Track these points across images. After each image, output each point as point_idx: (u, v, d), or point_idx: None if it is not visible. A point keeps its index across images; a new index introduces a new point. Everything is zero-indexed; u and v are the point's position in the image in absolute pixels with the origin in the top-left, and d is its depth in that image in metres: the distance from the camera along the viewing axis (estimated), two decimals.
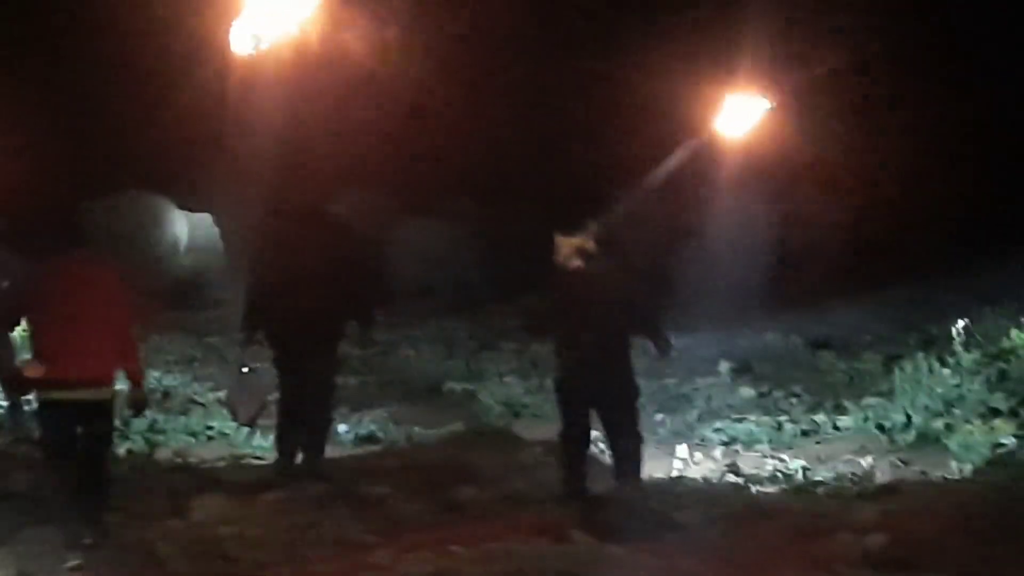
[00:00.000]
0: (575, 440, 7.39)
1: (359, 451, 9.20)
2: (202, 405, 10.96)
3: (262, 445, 9.15)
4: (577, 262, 7.27)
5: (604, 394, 7.28)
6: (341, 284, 7.96)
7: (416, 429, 10.40)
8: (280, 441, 8.06)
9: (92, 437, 6.39)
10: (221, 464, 8.63)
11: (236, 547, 6.19)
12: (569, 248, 7.28)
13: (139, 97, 16.07)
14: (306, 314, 7.73)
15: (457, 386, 12.62)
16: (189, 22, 12.35)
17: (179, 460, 8.74)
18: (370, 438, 9.81)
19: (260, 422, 9.04)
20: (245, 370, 8.59)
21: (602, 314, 7.18)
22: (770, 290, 20.60)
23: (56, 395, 6.22)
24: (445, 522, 6.70)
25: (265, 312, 8.02)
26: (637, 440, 7.37)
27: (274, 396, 8.32)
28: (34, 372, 6.26)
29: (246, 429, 9.45)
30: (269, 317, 8.00)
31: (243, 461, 8.81)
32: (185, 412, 10.68)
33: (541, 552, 5.93)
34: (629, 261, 8.16)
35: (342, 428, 9.89)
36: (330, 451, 8.41)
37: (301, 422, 7.98)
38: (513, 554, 5.88)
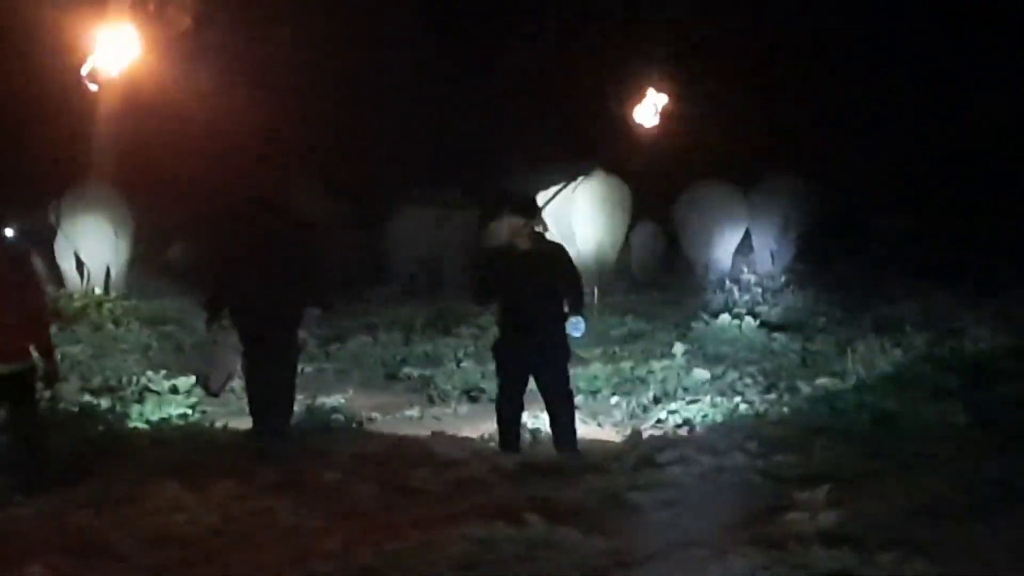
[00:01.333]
0: (511, 400, 8.36)
1: (314, 437, 9.15)
2: (157, 393, 10.89)
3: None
4: (523, 240, 8.20)
5: (541, 358, 8.19)
6: (294, 269, 8.72)
7: (373, 415, 10.41)
8: (256, 418, 8.88)
9: (15, 407, 7.35)
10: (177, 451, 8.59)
11: (189, 534, 6.18)
12: (515, 227, 8.18)
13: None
14: (263, 297, 8.57)
15: (414, 372, 12.63)
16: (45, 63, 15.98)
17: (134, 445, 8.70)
18: (326, 425, 9.78)
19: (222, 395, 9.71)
20: (215, 343, 9.05)
21: (541, 287, 8.13)
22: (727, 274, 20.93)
23: None
24: (398, 507, 6.71)
25: (227, 294, 8.85)
26: (572, 403, 8.43)
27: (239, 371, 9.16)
28: None
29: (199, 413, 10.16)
30: (231, 299, 8.82)
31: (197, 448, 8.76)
32: (140, 400, 10.63)
33: (495, 536, 5.94)
34: (558, 244, 8.91)
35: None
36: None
37: (271, 401, 8.78)
38: (467, 538, 5.89)
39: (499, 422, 8.50)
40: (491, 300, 8.64)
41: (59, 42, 13.99)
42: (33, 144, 20.60)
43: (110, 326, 16.00)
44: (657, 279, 23.01)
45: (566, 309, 8.25)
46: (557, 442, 8.33)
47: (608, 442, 9.32)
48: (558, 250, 8.60)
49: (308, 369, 12.80)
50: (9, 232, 16.06)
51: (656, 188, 22.67)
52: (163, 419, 9.93)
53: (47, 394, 8.33)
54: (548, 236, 8.70)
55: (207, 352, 9.32)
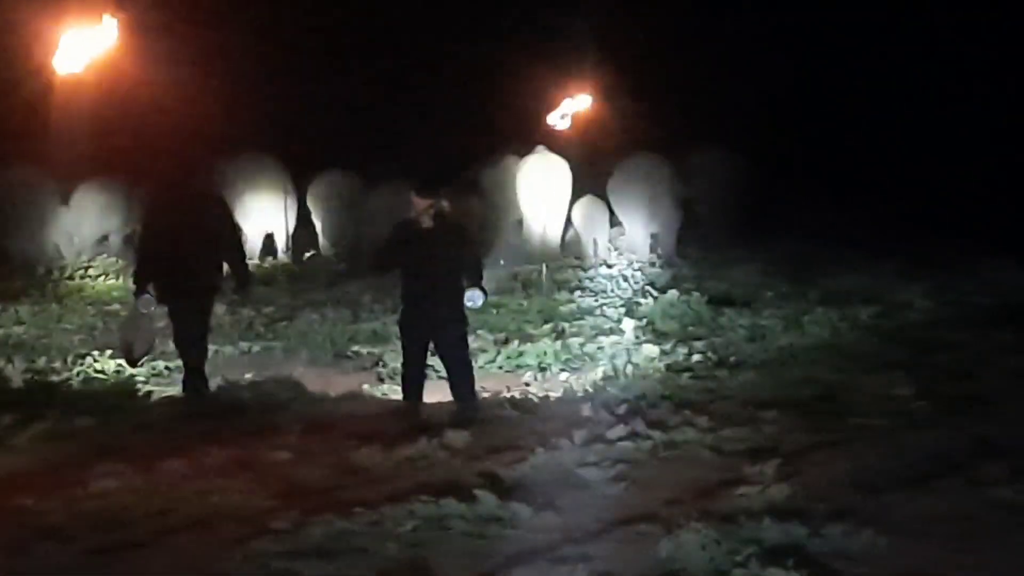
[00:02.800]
0: (412, 364, 8.98)
1: (262, 415, 9.08)
2: (102, 373, 10.80)
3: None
4: (426, 218, 8.71)
5: (438, 328, 8.82)
6: (212, 242, 9.72)
7: (322, 393, 10.34)
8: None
9: None
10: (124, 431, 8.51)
11: (137, 516, 6.14)
12: (424, 205, 8.72)
13: None
14: (184, 267, 9.47)
15: (363, 349, 12.56)
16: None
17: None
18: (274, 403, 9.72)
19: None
20: (142, 312, 9.73)
21: (438, 261, 8.71)
22: (673, 250, 21.05)
23: None
24: (348, 486, 6.69)
25: (152, 267, 9.64)
26: (468, 367, 9.07)
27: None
28: None
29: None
30: (156, 271, 9.60)
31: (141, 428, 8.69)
32: (88, 382, 10.54)
33: (445, 512, 5.94)
34: (460, 222, 9.56)
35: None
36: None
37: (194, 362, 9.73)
38: (416, 515, 5.89)
39: (403, 384, 9.16)
40: (385, 270, 9.73)
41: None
42: None
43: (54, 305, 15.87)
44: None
45: (464, 283, 8.84)
46: (456, 399, 8.96)
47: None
48: (459, 227, 9.22)
49: (256, 348, 12.74)
50: None
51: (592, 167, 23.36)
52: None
53: None
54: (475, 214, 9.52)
55: (131, 324, 10.16)
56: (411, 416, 8.70)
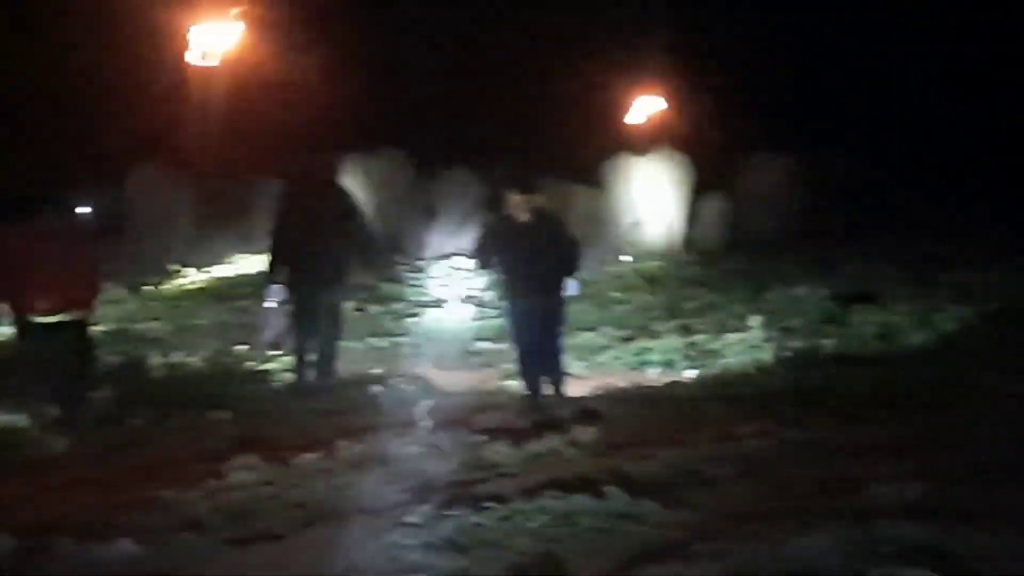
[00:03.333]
0: (520, 343, 9.67)
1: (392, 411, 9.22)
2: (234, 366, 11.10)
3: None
4: (522, 212, 9.44)
5: (541, 315, 9.49)
6: (339, 233, 10.10)
7: (450, 389, 10.44)
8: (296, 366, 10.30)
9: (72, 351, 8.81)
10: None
11: (275, 508, 6.28)
12: (521, 201, 9.45)
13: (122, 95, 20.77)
14: (312, 259, 9.92)
15: (488, 345, 12.67)
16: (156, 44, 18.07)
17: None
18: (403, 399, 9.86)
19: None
20: (271, 304, 10.42)
21: (535, 252, 9.35)
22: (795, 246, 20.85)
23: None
24: (478, 480, 6.74)
25: (282, 258, 10.12)
26: (560, 351, 9.76)
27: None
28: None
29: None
30: (285, 263, 10.10)
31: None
32: (220, 374, 10.82)
33: (575, 508, 5.95)
34: (555, 216, 10.15)
35: None
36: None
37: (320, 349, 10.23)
38: (546, 511, 5.91)
39: (518, 361, 9.85)
40: (487, 263, 10.01)
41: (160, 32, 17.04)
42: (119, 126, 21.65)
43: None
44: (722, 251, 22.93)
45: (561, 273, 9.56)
46: (545, 373, 9.67)
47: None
48: (553, 219, 9.87)
49: (384, 344, 12.93)
50: (85, 209, 16.53)
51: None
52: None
53: None
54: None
55: (262, 316, 10.97)
56: (539, 411, 8.78)
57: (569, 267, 9.61)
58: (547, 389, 9.65)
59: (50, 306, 8.63)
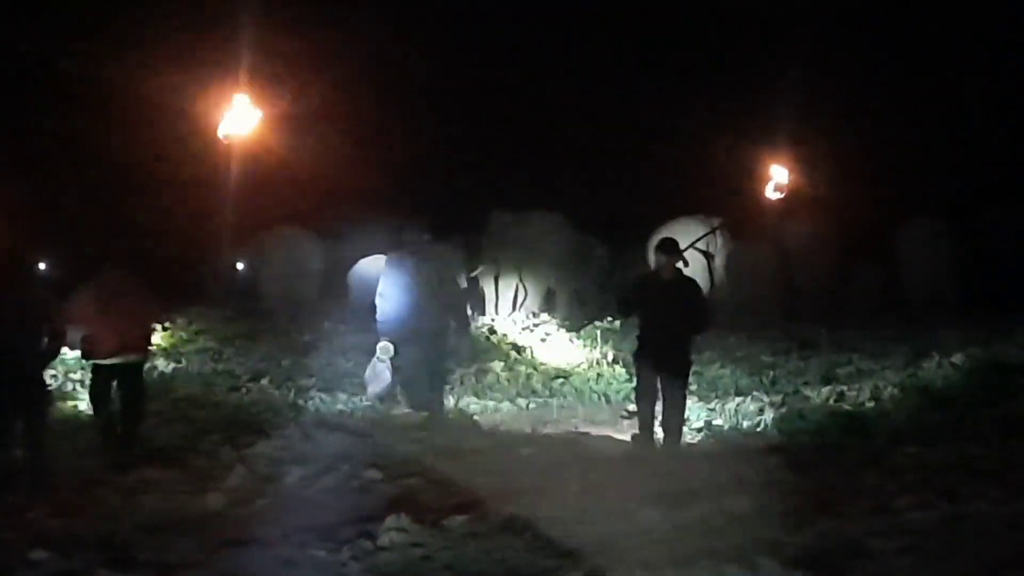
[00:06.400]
0: (646, 396, 10.32)
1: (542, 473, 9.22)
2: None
3: None
4: (667, 272, 10.22)
5: (669, 366, 10.12)
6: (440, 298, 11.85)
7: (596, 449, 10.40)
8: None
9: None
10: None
11: (426, 571, 6.31)
12: (666, 261, 10.21)
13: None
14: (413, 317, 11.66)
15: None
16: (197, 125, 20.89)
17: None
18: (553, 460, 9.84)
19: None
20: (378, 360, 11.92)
21: (672, 311, 10.04)
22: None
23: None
24: (628, 547, 6.67)
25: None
26: (683, 403, 10.37)
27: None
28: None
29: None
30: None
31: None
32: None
33: None
34: (692, 280, 10.55)
35: None
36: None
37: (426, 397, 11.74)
38: None
39: (637, 411, 10.57)
40: (630, 314, 10.91)
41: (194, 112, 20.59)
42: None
43: None
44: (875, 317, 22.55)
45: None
46: (665, 432, 10.24)
47: None
48: (691, 284, 10.41)
49: (533, 404, 12.96)
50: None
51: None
52: None
53: None
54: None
55: (372, 369, 12.05)
56: (689, 477, 8.68)
57: (697, 328, 10.46)
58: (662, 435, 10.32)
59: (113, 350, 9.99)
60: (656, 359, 10.17)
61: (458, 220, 24.40)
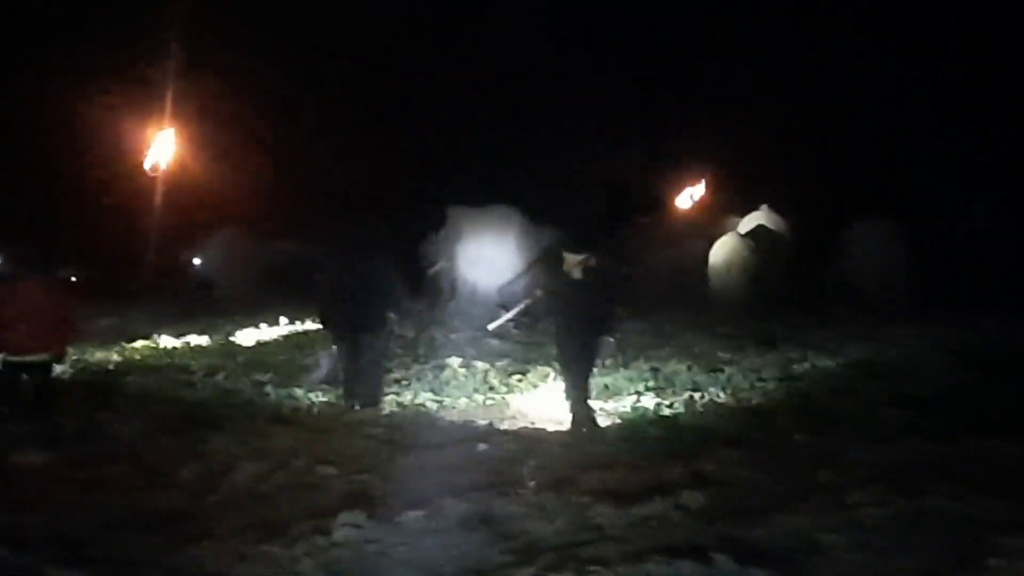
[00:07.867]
0: (581, 387, 11.14)
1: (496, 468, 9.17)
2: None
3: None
4: (578, 272, 10.78)
5: (582, 359, 11.10)
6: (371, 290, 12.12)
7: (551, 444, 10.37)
8: (346, 395, 12.37)
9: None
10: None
11: (382, 567, 6.26)
12: (574, 262, 10.77)
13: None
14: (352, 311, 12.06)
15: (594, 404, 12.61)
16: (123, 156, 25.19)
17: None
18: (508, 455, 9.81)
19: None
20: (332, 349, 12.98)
21: (586, 308, 10.77)
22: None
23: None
24: (582, 542, 6.65)
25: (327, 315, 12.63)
26: (586, 393, 11.24)
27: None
28: None
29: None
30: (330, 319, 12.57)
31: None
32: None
33: (680, 575, 5.84)
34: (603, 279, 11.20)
35: None
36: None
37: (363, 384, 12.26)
38: None
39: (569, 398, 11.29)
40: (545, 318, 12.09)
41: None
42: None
43: None
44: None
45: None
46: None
47: None
48: (602, 283, 11.05)
49: (490, 401, 12.91)
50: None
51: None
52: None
53: None
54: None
55: (315, 357, 13.35)
56: (645, 473, 8.65)
57: (605, 324, 11.12)
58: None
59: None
60: (572, 358, 11.19)
61: (411, 219, 24.57)
